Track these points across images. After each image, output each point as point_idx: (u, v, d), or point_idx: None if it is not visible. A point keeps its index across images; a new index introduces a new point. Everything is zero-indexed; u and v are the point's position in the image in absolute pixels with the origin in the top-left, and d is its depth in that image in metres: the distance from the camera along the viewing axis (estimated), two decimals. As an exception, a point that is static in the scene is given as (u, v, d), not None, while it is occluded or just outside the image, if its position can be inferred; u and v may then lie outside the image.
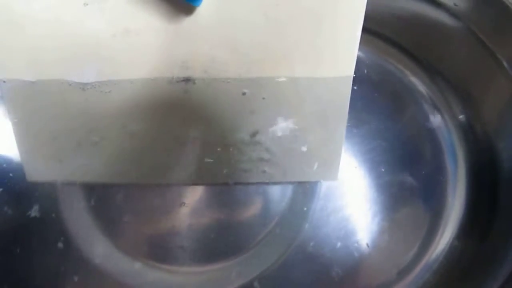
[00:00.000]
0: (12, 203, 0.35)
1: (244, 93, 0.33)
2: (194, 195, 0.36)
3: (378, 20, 0.40)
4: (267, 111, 0.34)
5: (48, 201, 0.35)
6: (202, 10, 0.30)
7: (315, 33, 0.31)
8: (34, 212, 0.35)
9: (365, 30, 0.40)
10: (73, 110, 0.33)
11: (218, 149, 0.34)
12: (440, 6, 0.37)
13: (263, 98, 0.33)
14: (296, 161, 0.35)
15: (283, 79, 0.33)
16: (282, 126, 0.34)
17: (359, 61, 0.40)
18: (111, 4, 0.30)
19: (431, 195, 0.38)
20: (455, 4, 0.36)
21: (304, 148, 0.35)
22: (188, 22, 0.31)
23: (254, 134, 0.34)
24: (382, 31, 0.41)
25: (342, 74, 0.33)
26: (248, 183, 0.36)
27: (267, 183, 0.36)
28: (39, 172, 0.34)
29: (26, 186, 0.35)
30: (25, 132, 0.33)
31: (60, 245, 0.35)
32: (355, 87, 0.39)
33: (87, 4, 0.30)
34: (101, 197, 0.35)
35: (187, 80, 0.33)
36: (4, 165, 0.35)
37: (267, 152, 0.35)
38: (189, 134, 0.34)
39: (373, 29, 0.41)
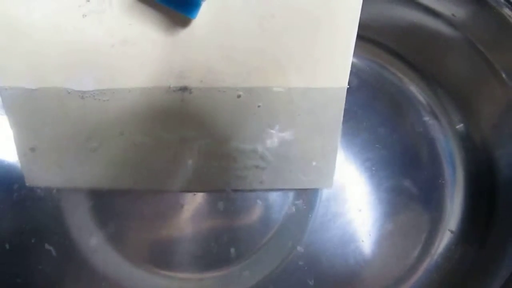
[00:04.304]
0: (13, 207, 0.35)
1: (239, 100, 0.34)
2: (195, 201, 0.36)
3: (378, 29, 0.40)
4: (262, 119, 0.34)
5: (49, 205, 0.35)
6: (198, 21, 0.30)
7: (310, 45, 0.32)
8: (35, 216, 0.35)
9: (365, 39, 0.41)
10: (72, 117, 0.33)
11: (215, 157, 0.35)
12: (438, 16, 0.37)
13: (259, 106, 0.34)
14: (291, 169, 0.35)
15: (278, 88, 0.33)
16: (277, 135, 0.34)
17: (358, 70, 0.41)
18: (109, 16, 0.30)
19: (430, 202, 0.39)
20: (453, 15, 0.36)
21: (299, 157, 0.35)
22: (184, 33, 0.31)
23: (249, 142, 0.35)
24: (382, 41, 0.42)
25: (336, 85, 0.33)
26: (246, 190, 0.36)
27: (267, 190, 0.36)
28: (39, 177, 0.35)
29: (27, 190, 0.35)
30: (24, 138, 0.34)
31: (60, 249, 0.35)
32: (355, 95, 0.39)
33: (85, 15, 0.30)
34: (102, 202, 0.36)
35: (183, 89, 0.33)
36: (4, 170, 0.36)
37: (262, 160, 0.35)
38: (185, 142, 0.34)
39: (373, 38, 0.41)
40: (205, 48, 0.32)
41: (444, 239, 0.38)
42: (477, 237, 0.38)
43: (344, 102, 0.34)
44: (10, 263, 0.35)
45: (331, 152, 0.35)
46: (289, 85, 0.33)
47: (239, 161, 0.35)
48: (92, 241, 0.35)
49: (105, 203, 0.36)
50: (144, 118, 0.34)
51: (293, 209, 0.37)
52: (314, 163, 0.35)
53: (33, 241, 0.35)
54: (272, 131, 0.34)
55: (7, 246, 0.35)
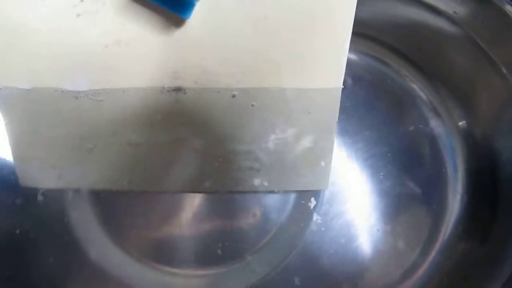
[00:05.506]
0: (12, 206, 0.35)
1: (234, 101, 0.34)
2: (196, 201, 0.36)
3: (380, 27, 0.40)
4: (257, 120, 0.34)
5: (50, 203, 0.35)
6: (191, 22, 0.30)
7: (304, 45, 0.32)
8: (35, 215, 0.35)
9: (366, 36, 0.41)
10: (66, 118, 0.33)
11: (209, 158, 0.35)
12: (440, 13, 0.37)
13: (253, 106, 0.34)
14: (286, 170, 0.35)
15: (273, 89, 0.33)
16: (272, 135, 0.34)
17: (360, 68, 0.41)
18: (103, 16, 0.30)
19: (432, 199, 0.39)
20: (455, 12, 0.36)
21: (293, 158, 0.35)
22: (178, 33, 0.31)
23: (244, 143, 0.35)
24: (383, 38, 0.41)
25: (330, 85, 0.33)
26: (240, 192, 0.36)
27: (262, 192, 0.36)
28: (33, 177, 0.35)
29: (26, 189, 0.35)
30: (19, 138, 0.34)
31: (62, 246, 0.35)
32: (356, 93, 0.39)
33: (79, 15, 0.30)
34: (107, 201, 0.36)
35: (178, 89, 0.33)
36: (2, 170, 0.36)
37: (257, 161, 0.35)
38: (179, 143, 0.34)
39: (375, 36, 0.41)
40: (199, 49, 0.32)
41: (446, 236, 0.38)
42: (480, 233, 0.38)
43: (339, 102, 0.34)
44: (10, 261, 0.35)
45: (326, 153, 0.35)
46: (284, 86, 0.33)
47: (234, 162, 0.35)
48: (94, 238, 0.36)
49: (111, 201, 0.36)
50: (139, 119, 0.34)
51: (294, 208, 0.37)
52: (309, 165, 0.35)
53: (34, 239, 0.35)
54: (266, 132, 0.34)
55: (9, 244, 0.35)
